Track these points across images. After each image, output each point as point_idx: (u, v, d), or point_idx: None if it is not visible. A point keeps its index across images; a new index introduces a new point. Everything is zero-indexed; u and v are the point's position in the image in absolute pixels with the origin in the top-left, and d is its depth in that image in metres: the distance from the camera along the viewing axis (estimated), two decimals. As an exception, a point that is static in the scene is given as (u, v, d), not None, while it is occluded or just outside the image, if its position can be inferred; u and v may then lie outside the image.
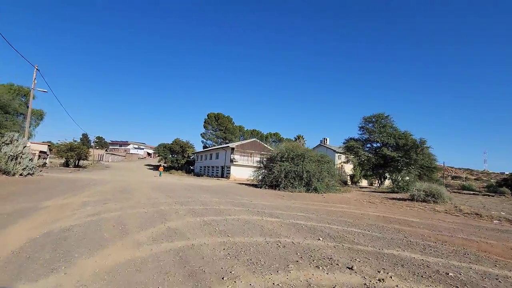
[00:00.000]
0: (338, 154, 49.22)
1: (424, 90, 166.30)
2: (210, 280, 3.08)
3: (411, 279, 3.54)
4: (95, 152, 64.17)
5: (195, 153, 59.75)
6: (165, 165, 54.56)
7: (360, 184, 48.20)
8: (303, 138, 66.30)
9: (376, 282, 3.32)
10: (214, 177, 45.25)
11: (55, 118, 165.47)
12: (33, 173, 17.70)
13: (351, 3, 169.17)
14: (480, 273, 3.95)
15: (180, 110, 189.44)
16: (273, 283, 3.10)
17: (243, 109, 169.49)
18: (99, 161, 68.02)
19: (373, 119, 33.85)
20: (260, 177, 24.73)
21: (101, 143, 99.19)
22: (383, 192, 25.55)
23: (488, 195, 31.51)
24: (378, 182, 34.41)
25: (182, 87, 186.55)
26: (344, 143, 35.47)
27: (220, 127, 67.56)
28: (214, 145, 63.57)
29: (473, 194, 33.62)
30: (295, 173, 21.50)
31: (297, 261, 3.95)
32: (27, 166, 16.76)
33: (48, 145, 48.06)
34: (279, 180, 21.81)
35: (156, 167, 59.52)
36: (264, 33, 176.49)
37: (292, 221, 7.35)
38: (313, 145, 57.68)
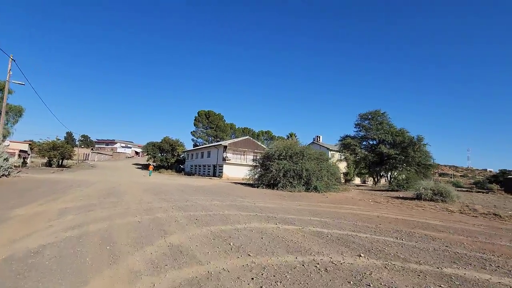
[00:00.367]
0: (331, 152, 48.70)
1: (409, 88, 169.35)
2: None
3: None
4: (80, 151, 61.47)
5: (186, 151, 58.04)
6: (154, 164, 52.65)
7: (354, 182, 47.91)
8: (295, 136, 65.56)
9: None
10: (206, 176, 43.84)
11: (37, 116, 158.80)
12: (8, 174, 16.02)
13: (339, 1, 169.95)
14: None
15: (169, 108, 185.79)
16: None
17: (234, 106, 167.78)
18: (85, 160, 65.26)
19: (369, 116, 33.28)
20: (256, 176, 23.66)
21: (86, 142, 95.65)
22: (382, 191, 24.97)
23: (482, 192, 31.51)
24: (374, 180, 33.93)
25: (171, 84, 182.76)
26: (340, 140, 34.80)
27: (211, 125, 65.94)
28: (205, 143, 61.97)
29: (467, 191, 33.60)
30: (294, 172, 20.53)
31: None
32: (1, 166, 15.06)
33: (29, 144, 45.44)
34: (277, 179, 20.80)
35: (144, 166, 57.45)
36: (255, 33, 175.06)
37: (312, 229, 6.32)
38: (305, 143, 56.26)
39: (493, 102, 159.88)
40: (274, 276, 3.29)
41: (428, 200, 15.50)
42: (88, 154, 71.71)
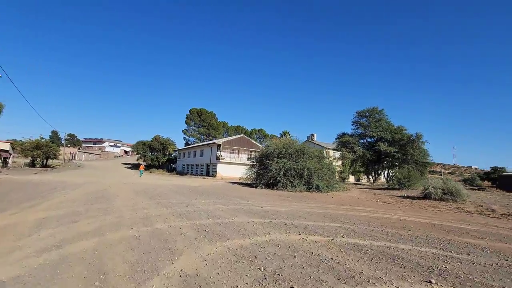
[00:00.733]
0: (326, 150, 48.11)
1: (395, 86, 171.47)
2: None
3: None
4: (66, 151, 58.86)
5: (177, 150, 56.38)
6: (145, 163, 50.83)
7: (348, 180, 47.57)
8: (289, 134, 64.75)
9: None
10: (199, 175, 42.46)
11: (21, 115, 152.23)
12: (-18, 176, 14.40)
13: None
14: None
15: (160, 107, 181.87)
16: None
17: (226, 105, 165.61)
18: (71, 160, 62.58)
19: (367, 114, 32.77)
20: (254, 176, 22.61)
21: (73, 141, 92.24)
22: (382, 189, 24.36)
23: (475, 189, 31.30)
24: (372, 178, 33.44)
25: (161, 83, 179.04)
26: (337, 138, 34.17)
27: (203, 123, 64.35)
28: (197, 142, 60.42)
29: (462, 188, 33.46)
30: (295, 171, 19.57)
31: None
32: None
33: (11, 143, 42.94)
34: (277, 178, 19.82)
35: (134, 166, 55.52)
36: (248, 32, 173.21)
37: (344, 240, 5.32)
38: (299, 141, 56.15)
39: (476, 100, 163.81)
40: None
41: (438, 200, 14.83)
42: (75, 154, 68.88)
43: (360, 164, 33.57)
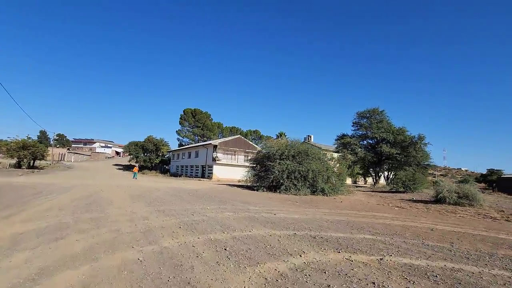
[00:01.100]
0: (323, 152, 47.39)
1: (389, 87, 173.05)
2: None
3: None
4: (55, 151, 56.57)
5: (171, 151, 54.85)
6: (137, 164, 49.16)
7: (345, 182, 46.91)
8: (285, 135, 63.95)
9: None
10: (194, 177, 41.09)
11: (8, 114, 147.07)
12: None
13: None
14: None
15: (153, 107, 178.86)
16: None
17: (220, 105, 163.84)
18: (60, 161, 60.25)
19: (368, 114, 32.12)
20: (254, 178, 21.55)
21: (62, 141, 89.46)
22: (386, 192, 23.64)
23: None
24: (373, 180, 32.75)
25: (154, 83, 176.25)
26: (337, 139, 33.42)
27: (197, 124, 62.92)
28: (191, 143, 59.00)
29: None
30: (299, 173, 18.60)
31: None
32: None
33: (-5, 143, 40.73)
34: (280, 181, 18.82)
35: (126, 167, 53.75)
36: (245, 32, 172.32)
37: (396, 260, 4.34)
38: (296, 142, 55.33)
39: (465, 101, 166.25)
40: None
41: (453, 204, 14.07)
42: (64, 154, 66.47)
43: (360, 166, 32.84)
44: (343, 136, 33.18)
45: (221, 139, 46.01)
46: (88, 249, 4.09)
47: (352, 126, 33.29)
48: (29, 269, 3.23)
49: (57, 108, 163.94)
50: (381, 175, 32.97)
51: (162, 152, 53.10)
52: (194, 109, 63.78)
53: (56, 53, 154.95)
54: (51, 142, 62.41)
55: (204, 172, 40.48)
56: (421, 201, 16.16)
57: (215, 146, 38.39)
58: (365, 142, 32.60)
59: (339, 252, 4.62)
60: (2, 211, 6.92)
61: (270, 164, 19.84)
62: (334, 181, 20.16)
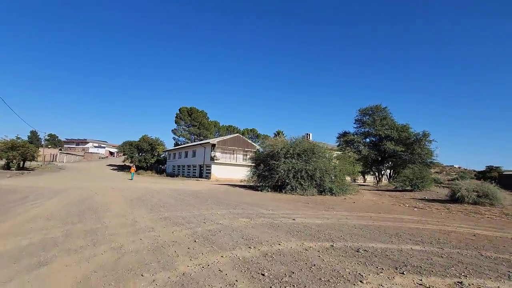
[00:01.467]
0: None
1: (388, 86, 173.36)
2: None
3: None
4: (46, 152, 54.70)
5: (167, 151, 53.47)
6: (132, 164, 47.72)
7: (345, 181, 46.31)
8: (283, 134, 63.03)
9: None
10: (192, 177, 39.91)
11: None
12: None
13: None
14: None
15: (147, 107, 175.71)
16: None
17: (216, 104, 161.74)
18: (52, 162, 58.30)
19: (370, 111, 31.36)
20: (258, 178, 20.56)
21: (54, 142, 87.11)
22: (392, 191, 22.89)
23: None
24: (376, 179, 32.04)
25: (148, 82, 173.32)
26: (339, 137, 32.60)
27: (194, 123, 61.56)
28: (187, 142, 57.65)
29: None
30: (306, 172, 17.68)
31: None
32: None
33: (-16, 144, 38.89)
34: (286, 181, 17.88)
35: (120, 168, 52.22)
36: (242, 33, 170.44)
37: (477, 282, 3.41)
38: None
39: (456, 99, 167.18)
40: None
41: (472, 204, 13.31)
42: (56, 155, 64.39)
43: (362, 164, 32.07)
44: (345, 133, 32.38)
45: (219, 137, 44.86)
46: (81, 280, 3.05)
47: (354, 123, 32.54)
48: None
49: (49, 108, 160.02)
50: (383, 173, 32.29)
51: (158, 151, 51.67)
52: (190, 107, 62.45)
53: (47, 53, 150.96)
54: (42, 143, 60.31)
55: (202, 172, 39.34)
56: (436, 201, 15.39)
57: (213, 145, 37.26)
58: (367, 139, 31.84)
59: (403, 273, 3.67)
60: (-23, 222, 5.80)
61: (274, 163, 18.88)
62: (341, 180, 19.31)
